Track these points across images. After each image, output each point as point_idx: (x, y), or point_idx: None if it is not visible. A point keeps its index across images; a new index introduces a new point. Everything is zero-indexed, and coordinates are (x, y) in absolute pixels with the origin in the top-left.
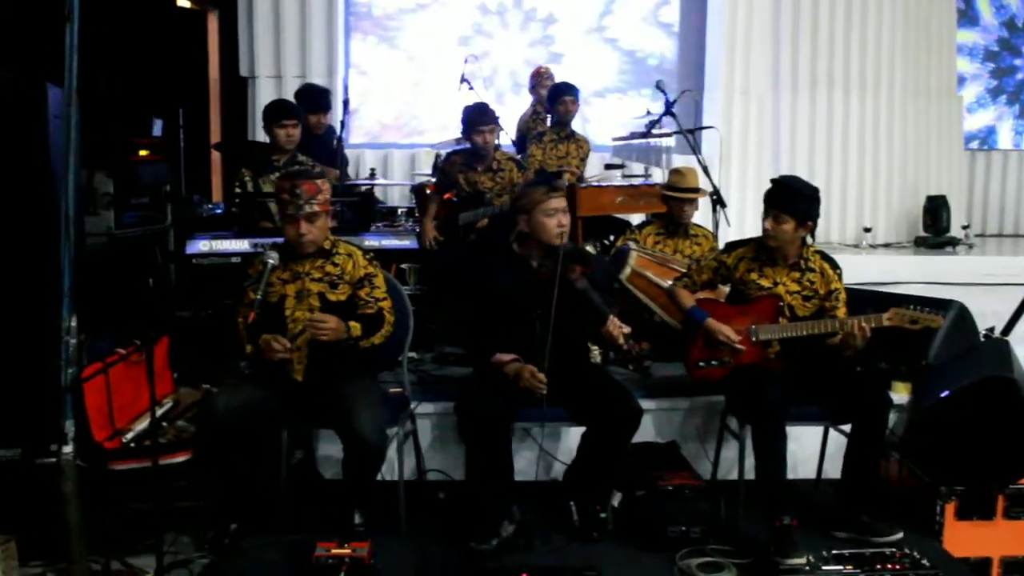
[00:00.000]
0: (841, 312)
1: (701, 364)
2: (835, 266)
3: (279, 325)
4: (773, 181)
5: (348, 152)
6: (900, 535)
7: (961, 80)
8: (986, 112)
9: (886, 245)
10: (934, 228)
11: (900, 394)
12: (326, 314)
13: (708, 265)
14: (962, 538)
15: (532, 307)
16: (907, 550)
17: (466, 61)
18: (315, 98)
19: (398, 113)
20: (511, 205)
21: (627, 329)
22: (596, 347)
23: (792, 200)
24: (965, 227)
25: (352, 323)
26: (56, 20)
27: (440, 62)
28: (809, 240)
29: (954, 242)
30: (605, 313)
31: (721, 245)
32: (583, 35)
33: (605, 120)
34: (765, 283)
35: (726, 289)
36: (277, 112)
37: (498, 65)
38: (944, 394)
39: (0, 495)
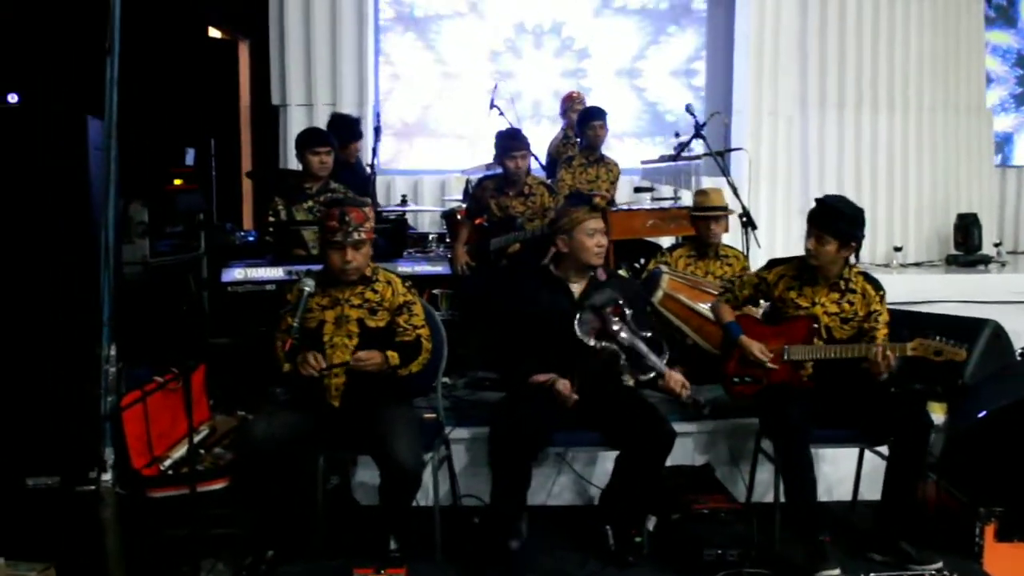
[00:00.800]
0: (880, 334)
1: (736, 380)
2: (878, 287)
3: (317, 351)
4: (818, 201)
5: (379, 178)
6: (939, 564)
7: (989, 80)
8: (1007, 117)
9: (917, 264)
10: (965, 246)
11: (936, 415)
12: (368, 351)
13: (749, 281)
14: (1002, 560)
15: (570, 330)
16: (947, 572)
17: (495, 86)
18: (348, 128)
19: (422, 113)
20: (549, 226)
21: (688, 384)
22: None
23: (835, 221)
24: (997, 245)
25: (390, 352)
26: (96, 53)
27: (471, 69)
28: (852, 260)
29: (986, 260)
30: (661, 369)
31: (752, 266)
32: (613, 76)
33: (620, 160)
34: (803, 303)
35: (758, 311)
36: (310, 139)
37: (523, 90)
38: (981, 414)
39: (40, 522)
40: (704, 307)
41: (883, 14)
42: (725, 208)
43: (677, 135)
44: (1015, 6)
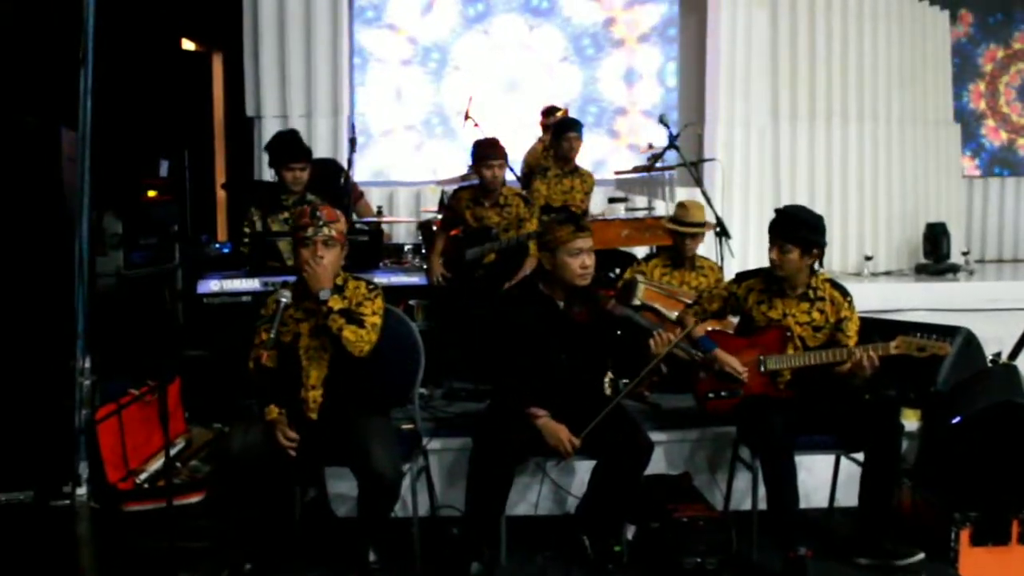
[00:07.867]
0: (852, 340)
1: (711, 395)
2: (845, 293)
3: (293, 364)
4: (777, 211)
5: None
6: (921, 556)
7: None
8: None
9: (887, 273)
10: (934, 255)
11: (910, 421)
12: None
13: (719, 294)
14: (978, 564)
15: (558, 349)
16: (924, 574)
17: (470, 98)
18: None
19: (400, 129)
20: (528, 239)
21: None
22: (607, 380)
23: (795, 229)
24: (965, 253)
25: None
26: (69, 64)
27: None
28: (818, 268)
29: (954, 268)
30: (651, 328)
31: (726, 276)
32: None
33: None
34: (774, 315)
35: (734, 320)
36: (284, 155)
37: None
38: (955, 420)
39: (14, 538)
40: None
41: (852, 29)
42: (703, 224)
43: (651, 146)
44: None
